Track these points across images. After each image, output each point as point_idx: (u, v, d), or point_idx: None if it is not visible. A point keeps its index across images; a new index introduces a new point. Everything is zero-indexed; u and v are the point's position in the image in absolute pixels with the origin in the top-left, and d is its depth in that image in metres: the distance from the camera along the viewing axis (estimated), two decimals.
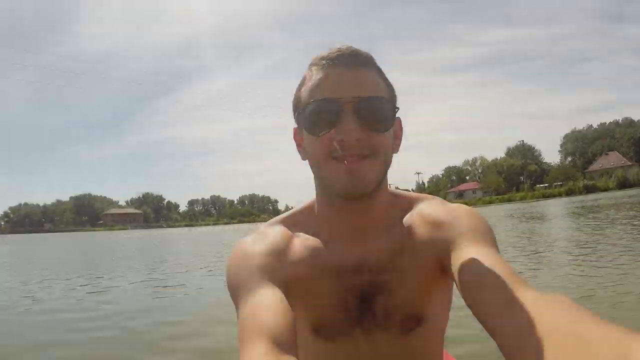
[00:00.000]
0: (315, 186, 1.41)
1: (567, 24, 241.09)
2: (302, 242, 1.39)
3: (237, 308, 1.14)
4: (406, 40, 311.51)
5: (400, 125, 1.40)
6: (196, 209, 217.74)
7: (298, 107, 1.32)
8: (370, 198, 1.32)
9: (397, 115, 1.32)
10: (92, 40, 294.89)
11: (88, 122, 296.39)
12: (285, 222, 1.46)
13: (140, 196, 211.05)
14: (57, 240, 60.43)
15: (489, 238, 1.26)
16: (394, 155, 1.37)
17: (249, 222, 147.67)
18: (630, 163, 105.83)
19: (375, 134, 1.23)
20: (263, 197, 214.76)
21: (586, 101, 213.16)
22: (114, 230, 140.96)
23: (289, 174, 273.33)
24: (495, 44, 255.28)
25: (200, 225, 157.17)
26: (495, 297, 0.99)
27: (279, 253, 1.30)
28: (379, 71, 1.31)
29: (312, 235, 1.41)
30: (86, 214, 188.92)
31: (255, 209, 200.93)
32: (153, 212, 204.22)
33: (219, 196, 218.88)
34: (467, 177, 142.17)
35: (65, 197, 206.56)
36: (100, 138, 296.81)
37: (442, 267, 1.30)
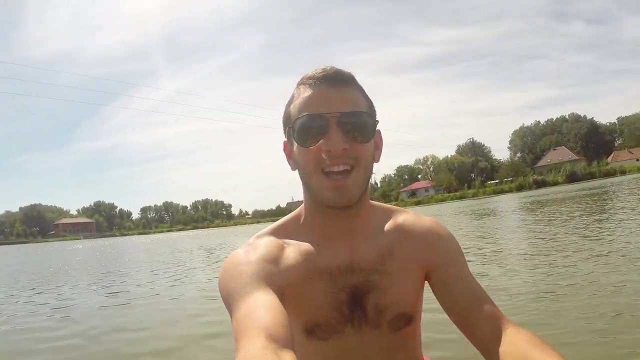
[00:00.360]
0: (304, 195, 1.55)
1: (514, 22, 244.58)
2: (294, 248, 1.48)
3: (231, 313, 1.17)
4: (356, 39, 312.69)
5: (380, 136, 1.55)
6: (149, 216, 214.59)
7: (288, 122, 1.49)
8: (356, 205, 1.46)
9: (377, 127, 1.49)
10: (40, 45, 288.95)
11: (36, 130, 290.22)
12: (274, 233, 1.56)
13: (92, 205, 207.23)
14: (9, 253, 58.84)
15: (466, 264, 1.56)
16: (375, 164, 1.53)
17: (203, 227, 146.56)
18: (577, 157, 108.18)
19: (358, 145, 1.39)
20: (216, 202, 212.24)
21: (533, 98, 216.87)
22: (66, 240, 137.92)
23: (242, 179, 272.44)
24: (443, 43, 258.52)
25: (154, 232, 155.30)
26: (484, 330, 1.35)
27: (272, 260, 1.35)
28: (360, 88, 1.49)
29: (303, 241, 1.52)
30: (37, 224, 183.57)
31: (209, 214, 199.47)
32: (105, 220, 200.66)
33: (171, 202, 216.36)
34: (419, 176, 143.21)
35: (14, 208, 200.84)
36: (49, 146, 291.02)
37: (424, 277, 1.57)
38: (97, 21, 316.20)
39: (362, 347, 1.52)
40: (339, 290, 1.49)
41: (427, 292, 1.60)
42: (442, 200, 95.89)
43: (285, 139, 1.56)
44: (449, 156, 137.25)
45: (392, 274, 1.51)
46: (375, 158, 1.52)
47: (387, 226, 1.60)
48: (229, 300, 1.21)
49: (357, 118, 1.40)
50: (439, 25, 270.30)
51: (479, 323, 1.37)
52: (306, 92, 1.43)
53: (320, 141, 1.38)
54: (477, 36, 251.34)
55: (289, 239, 1.53)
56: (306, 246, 1.51)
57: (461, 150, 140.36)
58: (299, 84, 1.48)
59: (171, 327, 7.34)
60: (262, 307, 1.09)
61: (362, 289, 1.49)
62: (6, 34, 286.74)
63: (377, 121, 1.49)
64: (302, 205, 1.62)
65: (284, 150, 1.58)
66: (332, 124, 1.37)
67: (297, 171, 1.52)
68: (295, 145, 1.46)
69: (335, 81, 1.42)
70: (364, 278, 1.50)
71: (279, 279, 1.30)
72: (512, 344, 1.26)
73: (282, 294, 1.25)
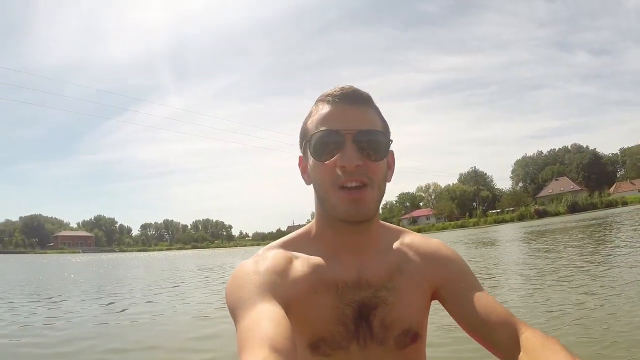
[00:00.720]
0: (316, 208, 1.59)
1: (518, 51, 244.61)
2: (303, 261, 1.49)
3: (236, 323, 1.18)
4: (360, 65, 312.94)
5: (393, 157, 1.60)
6: (149, 233, 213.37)
7: (305, 136, 1.54)
8: (368, 222, 1.51)
9: (390, 148, 1.53)
10: (46, 55, 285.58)
11: (39, 139, 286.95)
12: (284, 246, 1.57)
13: (92, 219, 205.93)
14: (8, 263, 58.21)
15: (476, 278, 1.60)
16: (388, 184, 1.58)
17: (202, 247, 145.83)
18: (579, 188, 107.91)
19: (371, 163, 1.43)
20: (217, 222, 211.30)
21: (536, 127, 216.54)
22: (64, 253, 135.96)
23: (244, 200, 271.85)
24: (448, 71, 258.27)
25: (154, 250, 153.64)
26: (502, 337, 1.39)
27: (280, 272, 1.37)
28: (376, 109, 1.54)
29: (313, 254, 1.53)
30: (36, 235, 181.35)
31: (209, 234, 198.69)
32: (105, 235, 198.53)
33: (172, 220, 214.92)
34: (421, 204, 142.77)
35: (14, 217, 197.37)
36: (52, 156, 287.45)
37: (432, 296, 1.60)
38: (105, 33, 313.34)
39: None
40: (346, 305, 1.48)
41: (433, 318, 1.63)
42: (444, 229, 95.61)
43: (301, 154, 1.60)
44: (451, 184, 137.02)
45: (399, 290, 1.52)
46: (388, 177, 1.56)
47: (396, 245, 1.63)
48: (235, 310, 1.22)
49: (372, 136, 1.44)
50: (444, 53, 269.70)
51: (496, 330, 1.40)
52: (324, 109, 1.48)
53: (336, 156, 1.42)
54: (481, 65, 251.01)
55: (298, 252, 1.54)
56: (315, 259, 1.52)
57: (463, 179, 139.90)
58: (317, 101, 1.54)
59: (165, 351, 7.32)
60: (267, 319, 1.10)
61: (369, 305, 1.49)
62: (15, 40, 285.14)
63: (391, 141, 1.54)
64: (314, 220, 1.63)
65: (299, 164, 1.61)
66: (347, 140, 1.41)
67: (311, 186, 1.56)
68: (311, 159, 1.49)
69: (354, 100, 1.47)
70: (371, 294, 1.50)
71: (285, 291, 1.31)
72: (530, 348, 1.29)
73: (288, 307, 1.26)
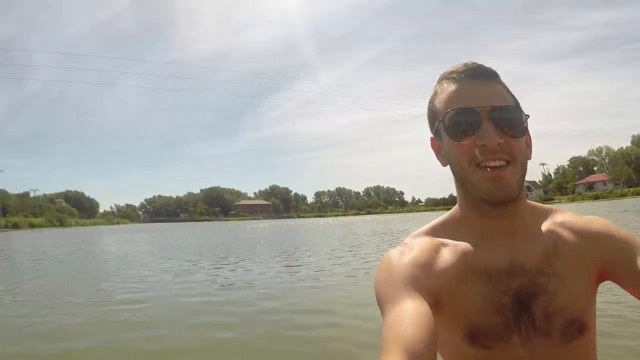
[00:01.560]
0: (458, 191, 1.47)
1: None
2: (451, 248, 1.40)
3: (382, 317, 1.15)
4: (503, 28, 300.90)
5: (529, 133, 1.41)
6: (323, 200, 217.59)
7: (435, 117, 1.43)
8: (514, 202, 1.36)
9: (527, 123, 1.37)
10: (194, 46, 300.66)
11: (203, 122, 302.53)
12: (430, 232, 1.49)
13: (268, 188, 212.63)
14: (204, 228, 63.05)
15: None
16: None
17: (377, 213, 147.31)
18: None
19: (512, 139, 1.30)
20: (388, 188, 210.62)
21: None
22: (246, 220, 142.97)
23: (409, 167, 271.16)
24: (595, 27, 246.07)
25: (330, 215, 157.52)
26: None
27: (426, 263, 1.30)
28: (503, 84, 1.40)
29: (460, 240, 1.42)
30: (217, 205, 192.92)
31: (382, 200, 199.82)
32: (282, 203, 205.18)
33: (344, 188, 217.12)
34: (595, 168, 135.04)
35: (196, 190, 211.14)
36: (217, 136, 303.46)
37: (599, 278, 1.41)
38: (242, 21, 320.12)
39: (531, 359, 1.33)
40: (501, 294, 1.33)
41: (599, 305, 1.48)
42: (622, 195, 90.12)
43: (432, 135, 1.50)
44: (624, 147, 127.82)
45: (559, 274, 1.35)
46: (528, 155, 1.39)
47: (548, 225, 1.45)
48: (382, 304, 1.19)
49: (508, 112, 1.33)
50: (589, 8, 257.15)
51: None
52: (451, 87, 1.37)
53: (473, 136, 1.30)
54: (633, 17, 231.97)
55: (446, 238, 1.44)
56: (463, 246, 1.40)
57: (637, 141, 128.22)
58: (440, 80, 1.43)
59: (337, 316, 7.47)
60: (409, 319, 1.06)
61: (527, 293, 1.33)
62: (163, 36, 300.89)
63: (528, 116, 1.37)
64: (457, 204, 1.51)
65: (432, 146, 1.52)
66: (483, 118, 1.29)
67: (448, 168, 1.46)
68: (446, 140, 1.39)
69: (480, 75, 1.36)
70: (527, 281, 1.34)
71: (432, 283, 1.25)
72: None
73: (438, 298, 1.24)
